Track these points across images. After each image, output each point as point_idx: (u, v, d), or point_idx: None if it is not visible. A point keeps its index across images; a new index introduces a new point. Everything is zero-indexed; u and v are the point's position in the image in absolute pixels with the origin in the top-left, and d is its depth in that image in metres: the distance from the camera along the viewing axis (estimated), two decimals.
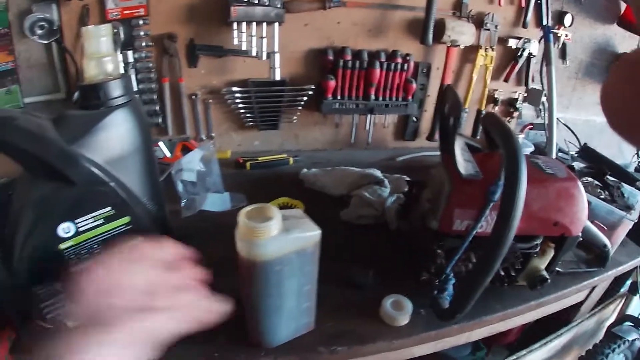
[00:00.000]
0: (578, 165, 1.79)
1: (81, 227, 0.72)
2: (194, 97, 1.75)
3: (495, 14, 1.98)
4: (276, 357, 0.91)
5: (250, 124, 1.86)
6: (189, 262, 0.68)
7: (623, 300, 1.71)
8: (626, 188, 1.49)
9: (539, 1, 2.02)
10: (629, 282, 1.65)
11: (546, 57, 2.04)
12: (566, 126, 2.11)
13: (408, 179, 1.55)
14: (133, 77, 1.61)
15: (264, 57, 1.65)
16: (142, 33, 1.57)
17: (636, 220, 1.37)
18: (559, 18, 2.10)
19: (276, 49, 1.67)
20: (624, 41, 2.31)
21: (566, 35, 2.14)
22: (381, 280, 1.13)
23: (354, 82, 1.84)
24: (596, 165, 1.74)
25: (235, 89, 1.75)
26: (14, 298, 0.73)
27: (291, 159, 1.84)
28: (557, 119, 2.03)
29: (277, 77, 1.71)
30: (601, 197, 1.46)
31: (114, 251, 0.59)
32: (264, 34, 1.62)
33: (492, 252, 0.80)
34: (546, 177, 1.03)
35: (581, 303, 1.47)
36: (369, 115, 1.96)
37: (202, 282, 0.68)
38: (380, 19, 1.85)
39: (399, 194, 1.43)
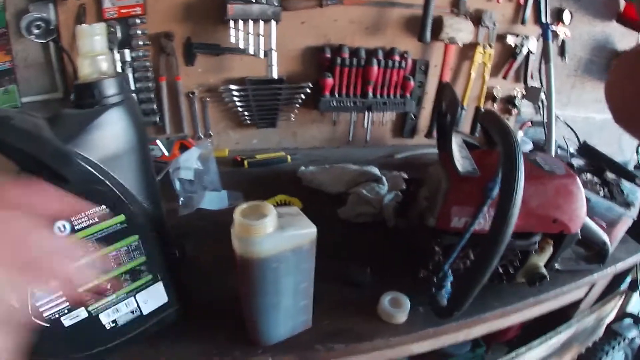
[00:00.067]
0: (577, 162, 1.79)
1: (77, 225, 0.71)
2: (191, 95, 1.75)
3: (494, 11, 1.97)
4: (274, 355, 0.91)
5: (248, 122, 1.86)
6: None
7: (623, 298, 1.71)
8: (626, 185, 1.49)
9: None
10: (628, 279, 1.65)
11: (545, 55, 2.04)
12: (565, 123, 2.10)
13: (406, 176, 1.54)
14: (130, 76, 1.62)
15: (261, 55, 1.65)
16: (139, 32, 1.57)
17: (636, 218, 1.37)
18: (557, 15, 2.09)
19: (273, 47, 1.67)
20: (623, 38, 2.30)
21: (565, 33, 2.14)
22: (379, 277, 1.13)
23: (351, 79, 1.85)
24: (595, 162, 1.74)
25: (232, 87, 1.75)
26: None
27: (289, 157, 1.84)
28: (556, 116, 2.02)
29: (275, 75, 1.71)
30: (600, 194, 1.46)
31: None
32: (261, 32, 1.62)
33: (490, 249, 0.80)
34: (544, 174, 1.02)
35: (581, 300, 1.47)
36: (366, 113, 1.96)
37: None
38: (378, 17, 1.84)
39: (397, 192, 1.43)
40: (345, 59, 1.79)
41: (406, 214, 1.28)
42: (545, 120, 2.04)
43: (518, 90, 2.23)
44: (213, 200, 1.41)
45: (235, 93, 1.76)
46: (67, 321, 0.78)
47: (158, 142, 1.66)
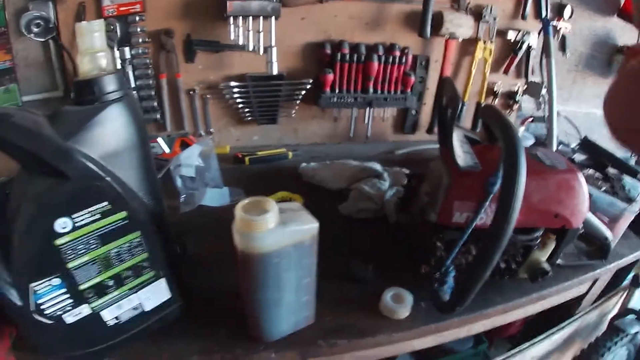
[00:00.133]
0: (579, 157, 1.78)
1: (78, 222, 0.71)
2: (191, 92, 1.75)
3: (494, 6, 1.96)
4: (276, 351, 0.91)
5: (249, 118, 1.86)
6: None
7: (625, 294, 1.71)
8: (627, 180, 1.49)
9: None
10: (631, 275, 1.65)
11: (546, 50, 2.03)
12: (566, 119, 2.10)
13: (407, 172, 1.54)
14: (131, 74, 1.61)
15: (261, 51, 1.64)
16: (138, 29, 1.57)
17: (638, 213, 1.36)
18: (558, 10, 2.09)
19: (273, 43, 1.66)
20: (624, 33, 2.30)
21: (566, 28, 2.13)
22: (381, 273, 1.13)
23: (352, 75, 1.84)
24: (597, 157, 1.74)
25: (233, 83, 1.75)
26: (13, 295, 0.73)
27: (290, 153, 1.84)
28: (557, 111, 2.02)
29: (275, 72, 1.71)
30: (602, 189, 1.46)
31: None
32: (261, 29, 1.61)
33: (492, 244, 0.80)
34: (546, 169, 1.02)
35: (583, 296, 1.47)
36: (367, 109, 1.96)
37: None
38: (378, 12, 1.84)
39: (398, 187, 1.42)
40: (346, 54, 1.79)
41: (408, 210, 1.28)
42: (547, 115, 2.04)
43: (519, 85, 2.22)
44: (214, 197, 1.41)
45: (235, 90, 1.76)
46: (69, 318, 0.78)
47: (159, 139, 1.66)
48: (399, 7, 1.86)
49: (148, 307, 0.88)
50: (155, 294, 0.88)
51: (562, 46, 2.19)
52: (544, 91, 2.11)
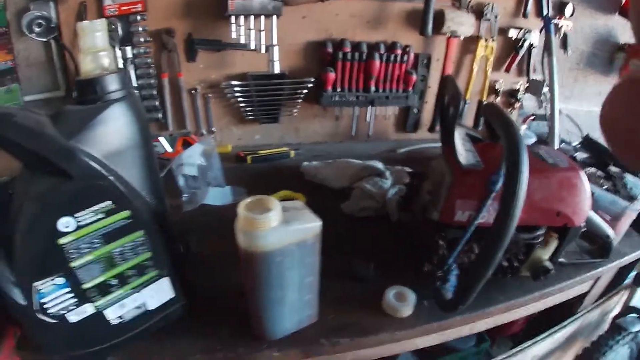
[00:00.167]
0: (581, 156, 1.78)
1: (81, 221, 0.71)
2: (193, 91, 1.75)
3: (495, 4, 1.96)
4: (279, 349, 0.92)
5: (251, 117, 1.86)
6: None
7: (627, 292, 1.71)
8: (629, 178, 1.49)
9: None
10: (633, 274, 1.65)
11: (547, 48, 2.03)
12: (568, 117, 2.10)
13: (409, 170, 1.54)
14: (132, 73, 1.62)
15: (263, 50, 1.64)
16: (140, 29, 1.57)
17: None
18: (559, 8, 2.08)
19: (275, 42, 1.66)
20: (625, 31, 2.29)
21: (567, 26, 2.13)
22: (383, 272, 1.13)
23: (353, 74, 1.84)
24: (599, 156, 1.74)
25: (234, 82, 1.75)
26: (16, 294, 0.73)
27: (292, 152, 1.84)
28: (559, 109, 2.02)
29: (277, 70, 1.71)
30: (604, 187, 1.45)
31: None
32: (262, 27, 1.61)
33: (494, 242, 0.80)
34: (548, 167, 1.02)
35: (585, 294, 1.47)
36: (369, 107, 1.96)
37: None
38: (379, 11, 1.84)
39: (401, 186, 1.42)
40: (347, 53, 1.79)
41: (410, 208, 1.28)
42: (548, 113, 2.03)
43: (521, 83, 2.22)
44: (217, 196, 1.41)
45: (237, 89, 1.76)
46: (72, 317, 0.79)
47: (161, 138, 1.66)
48: (400, 6, 1.86)
49: (151, 306, 0.88)
50: (159, 293, 0.88)
51: (564, 44, 2.19)
52: (545, 89, 2.11)
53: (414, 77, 1.92)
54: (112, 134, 0.77)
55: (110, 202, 0.74)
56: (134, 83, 1.63)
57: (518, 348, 1.41)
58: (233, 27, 1.59)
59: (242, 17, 1.58)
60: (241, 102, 1.80)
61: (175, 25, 1.62)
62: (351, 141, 2.07)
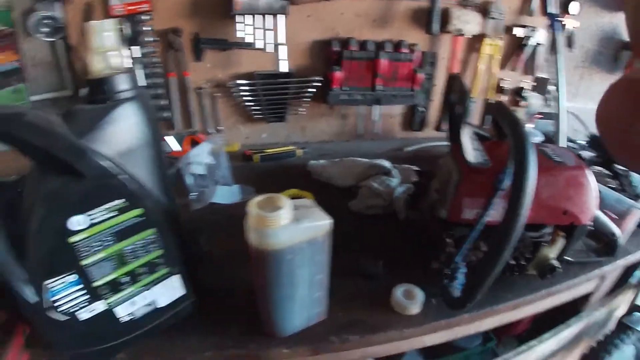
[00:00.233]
0: (587, 154, 1.78)
1: (93, 219, 0.72)
2: (200, 91, 1.75)
3: (501, 2, 1.96)
4: (289, 346, 0.92)
5: (258, 116, 1.86)
6: None
7: (633, 292, 1.71)
8: (635, 177, 1.49)
9: None
10: (639, 273, 1.65)
11: (553, 46, 2.03)
12: (574, 115, 2.10)
13: (417, 169, 1.54)
14: (140, 72, 1.62)
15: (269, 49, 1.65)
16: (146, 28, 1.57)
17: None
18: (565, 6, 2.08)
19: (281, 41, 1.67)
20: None
21: (573, 24, 2.12)
22: (391, 270, 1.13)
23: (360, 72, 1.85)
24: (605, 154, 1.74)
25: (241, 82, 1.75)
26: (28, 292, 0.73)
27: (299, 151, 1.85)
28: (566, 108, 2.02)
29: (284, 69, 1.71)
30: (610, 186, 1.45)
31: None
32: (268, 26, 1.62)
33: (502, 240, 0.80)
34: (555, 165, 1.02)
35: (591, 293, 1.46)
36: (375, 106, 1.96)
37: None
38: (385, 9, 1.84)
39: (408, 184, 1.43)
40: (354, 52, 1.80)
41: (417, 207, 1.28)
42: (555, 112, 2.03)
43: (527, 82, 2.22)
44: (225, 194, 1.42)
45: (244, 88, 1.76)
46: (83, 315, 0.79)
47: (168, 137, 1.66)
48: (406, 4, 1.86)
49: (162, 303, 0.89)
50: (169, 290, 0.89)
51: (569, 42, 2.19)
52: (551, 87, 2.11)
53: (421, 75, 1.92)
54: (123, 132, 0.77)
55: (122, 200, 0.74)
56: (142, 82, 1.63)
57: (524, 346, 1.41)
58: (239, 26, 1.60)
59: (248, 16, 1.59)
60: (248, 101, 1.80)
61: (181, 24, 1.63)
62: (358, 140, 2.08)
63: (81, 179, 0.70)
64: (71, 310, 0.78)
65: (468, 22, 1.90)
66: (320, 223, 0.82)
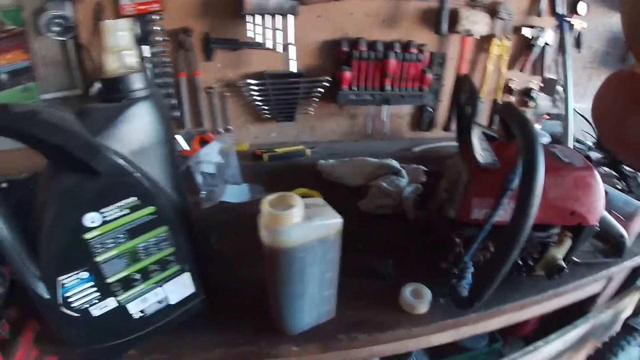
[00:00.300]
0: (595, 155, 1.78)
1: (107, 217, 0.73)
2: (210, 90, 1.76)
3: (509, 2, 1.96)
4: (298, 344, 0.93)
5: (267, 116, 1.87)
6: None
7: None
8: None
9: None
10: None
11: (561, 47, 2.03)
12: (582, 116, 2.09)
13: (425, 169, 1.55)
14: (150, 72, 1.62)
15: (279, 49, 1.66)
16: (157, 28, 1.58)
17: None
18: (573, 6, 2.08)
19: (291, 40, 1.68)
20: None
21: (581, 25, 2.12)
22: (400, 269, 1.13)
23: (369, 72, 1.85)
24: (612, 155, 1.73)
25: (251, 81, 1.76)
26: (40, 289, 0.74)
27: (308, 151, 1.85)
28: (574, 109, 2.01)
29: (293, 69, 1.72)
30: (618, 187, 1.45)
31: None
32: (278, 26, 1.63)
33: (510, 240, 0.80)
34: (563, 166, 1.02)
35: (598, 295, 1.46)
36: (384, 106, 1.96)
37: None
38: (394, 9, 1.85)
39: (417, 184, 1.43)
40: (363, 52, 1.80)
41: (426, 206, 1.29)
42: (563, 112, 2.03)
43: (535, 82, 2.22)
44: (235, 193, 1.42)
45: (254, 87, 1.77)
46: (95, 311, 0.80)
47: (178, 136, 1.67)
48: (415, 5, 1.87)
49: (173, 300, 0.90)
50: (180, 287, 0.90)
51: (577, 43, 2.18)
52: (560, 88, 2.11)
53: (429, 75, 1.93)
54: (137, 131, 0.78)
55: (135, 198, 0.75)
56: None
57: (530, 347, 1.41)
58: (249, 26, 1.61)
59: (258, 16, 1.59)
60: (258, 100, 1.81)
61: (192, 24, 1.64)
62: (367, 140, 2.09)
63: (96, 176, 0.70)
64: (84, 307, 0.78)
65: (477, 22, 1.90)
66: (332, 221, 0.82)
